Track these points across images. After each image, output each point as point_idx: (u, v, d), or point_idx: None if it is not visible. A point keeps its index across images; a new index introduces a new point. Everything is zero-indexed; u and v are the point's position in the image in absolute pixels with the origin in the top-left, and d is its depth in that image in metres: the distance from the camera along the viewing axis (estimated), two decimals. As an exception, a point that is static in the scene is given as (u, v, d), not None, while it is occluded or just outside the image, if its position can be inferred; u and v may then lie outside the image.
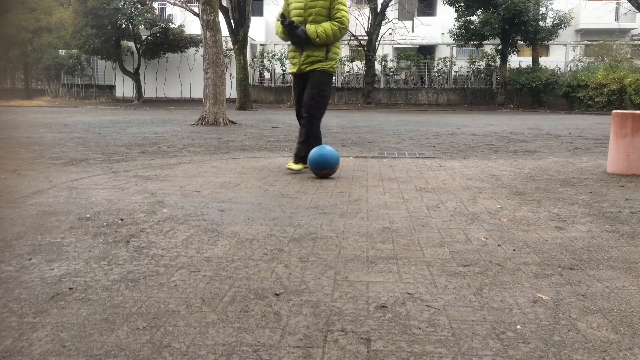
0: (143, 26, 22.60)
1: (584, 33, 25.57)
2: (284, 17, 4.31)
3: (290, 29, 4.30)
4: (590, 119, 14.40)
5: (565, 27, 21.95)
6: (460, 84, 24.47)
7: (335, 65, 4.48)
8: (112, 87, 26.39)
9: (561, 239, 2.52)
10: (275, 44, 24.90)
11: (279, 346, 1.44)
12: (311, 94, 4.37)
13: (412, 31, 24.76)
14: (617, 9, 25.02)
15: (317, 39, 4.26)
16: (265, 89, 24.85)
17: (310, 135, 4.43)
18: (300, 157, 4.48)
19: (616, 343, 1.48)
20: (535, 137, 8.48)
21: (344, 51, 25.27)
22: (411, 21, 25.34)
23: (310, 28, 4.27)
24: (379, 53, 23.84)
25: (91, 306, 1.69)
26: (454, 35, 22.34)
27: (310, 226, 2.71)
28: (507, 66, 22.53)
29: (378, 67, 23.85)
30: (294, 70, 4.47)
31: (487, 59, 23.96)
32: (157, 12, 24.61)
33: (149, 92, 25.54)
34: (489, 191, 3.75)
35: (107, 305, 1.70)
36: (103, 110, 16.96)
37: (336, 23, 4.28)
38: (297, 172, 4.47)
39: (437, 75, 24.69)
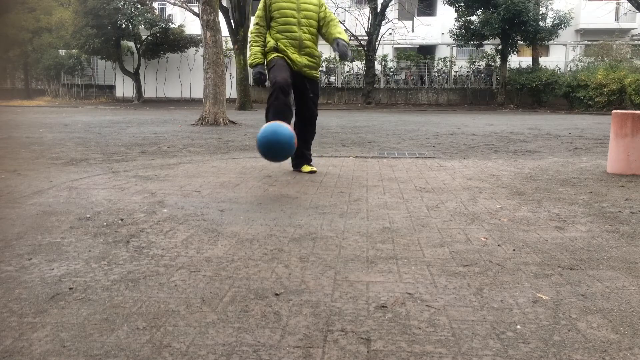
0: (143, 26, 22.61)
1: (584, 33, 25.57)
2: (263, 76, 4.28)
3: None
4: (590, 119, 14.40)
5: (565, 27, 21.96)
6: (460, 84, 24.48)
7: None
8: (112, 87, 26.42)
9: (561, 239, 2.52)
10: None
11: (279, 346, 1.44)
12: (314, 103, 4.51)
13: (412, 31, 24.76)
14: (617, 9, 25.02)
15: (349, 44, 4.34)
16: (266, 89, 24.80)
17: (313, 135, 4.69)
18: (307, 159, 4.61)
19: (616, 343, 1.48)
20: (535, 137, 8.48)
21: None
22: (411, 21, 25.34)
23: (344, 36, 4.28)
24: (379, 53, 23.84)
25: (91, 306, 1.69)
26: (454, 35, 22.34)
27: (310, 226, 2.71)
28: (507, 66, 22.53)
29: (378, 67, 23.85)
30: (291, 65, 4.30)
31: (487, 59, 23.97)
32: (157, 12, 24.62)
33: (149, 92, 25.55)
34: (489, 191, 3.75)
35: (107, 305, 1.70)
36: (103, 110, 16.96)
37: (339, 23, 4.42)
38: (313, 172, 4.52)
39: (437, 75, 24.70)
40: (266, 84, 4.32)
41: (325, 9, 4.42)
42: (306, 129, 4.55)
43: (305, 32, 4.30)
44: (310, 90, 4.44)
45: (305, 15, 4.30)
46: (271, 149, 3.64)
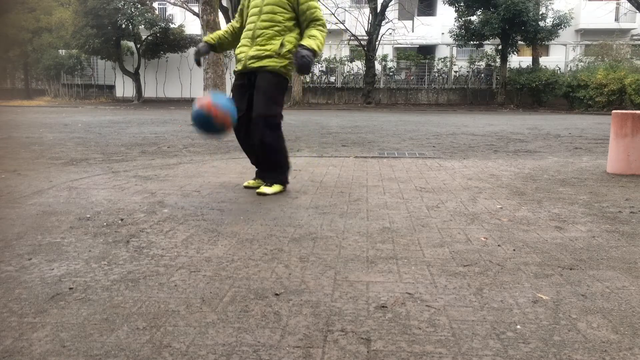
0: (143, 26, 22.61)
1: (584, 33, 25.57)
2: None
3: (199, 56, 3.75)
4: (590, 119, 14.40)
5: (565, 27, 21.96)
6: (460, 84, 24.47)
7: (290, 67, 3.59)
8: (112, 87, 26.42)
9: (561, 239, 2.52)
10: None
11: (279, 346, 1.44)
12: (264, 100, 3.54)
13: (412, 31, 24.77)
14: (617, 9, 25.03)
15: (320, 52, 3.60)
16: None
17: (274, 152, 3.63)
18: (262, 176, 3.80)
19: (616, 343, 1.48)
20: (535, 137, 8.48)
21: (343, 51, 25.26)
22: (411, 21, 25.35)
23: (309, 42, 3.45)
24: (379, 53, 23.84)
25: (91, 306, 1.69)
26: (454, 35, 22.35)
27: (310, 226, 2.71)
28: (507, 66, 22.53)
29: (378, 67, 23.85)
30: (239, 67, 3.67)
31: (487, 59, 23.97)
32: (157, 12, 24.62)
33: (149, 92, 25.55)
34: (489, 191, 3.75)
35: (107, 305, 1.70)
36: (103, 110, 16.96)
37: (320, 27, 3.58)
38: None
39: (437, 75, 24.70)
40: (202, 62, 3.87)
41: (308, 1, 3.59)
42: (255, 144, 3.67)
43: (263, 21, 3.59)
44: (258, 88, 3.57)
45: (267, 2, 3.62)
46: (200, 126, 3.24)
